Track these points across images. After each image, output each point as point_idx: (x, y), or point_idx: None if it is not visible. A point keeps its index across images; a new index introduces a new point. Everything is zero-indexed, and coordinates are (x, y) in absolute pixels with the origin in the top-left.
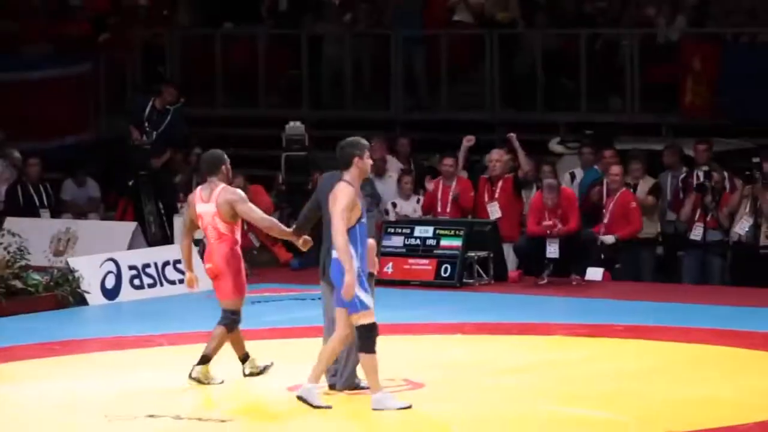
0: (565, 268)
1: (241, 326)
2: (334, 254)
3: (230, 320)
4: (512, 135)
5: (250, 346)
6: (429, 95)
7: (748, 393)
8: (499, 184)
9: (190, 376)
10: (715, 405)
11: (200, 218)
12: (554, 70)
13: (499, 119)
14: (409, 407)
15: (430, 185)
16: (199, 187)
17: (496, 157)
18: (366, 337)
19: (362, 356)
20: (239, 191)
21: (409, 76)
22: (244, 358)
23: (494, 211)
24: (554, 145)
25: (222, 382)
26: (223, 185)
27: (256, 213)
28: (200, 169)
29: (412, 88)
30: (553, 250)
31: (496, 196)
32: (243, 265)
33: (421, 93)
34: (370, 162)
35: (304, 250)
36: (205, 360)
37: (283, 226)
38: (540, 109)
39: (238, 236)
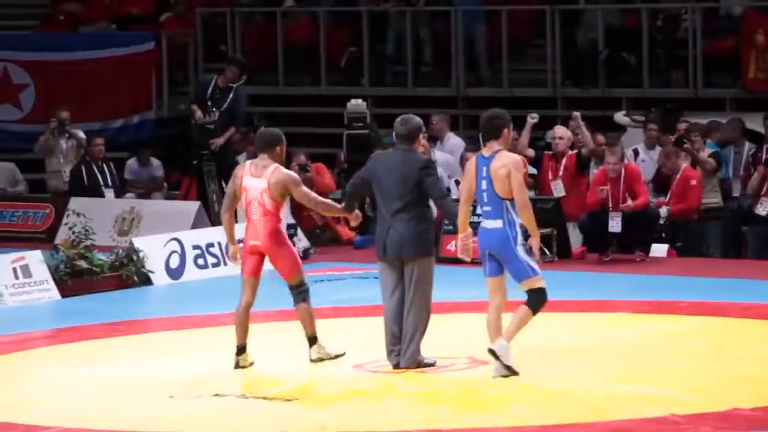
0: (630, 244)
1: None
2: (491, 224)
3: (305, 293)
4: (577, 114)
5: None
6: (490, 71)
7: None
8: (563, 161)
9: (310, 360)
10: None
11: (245, 191)
12: (616, 45)
13: (561, 95)
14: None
15: None
16: (249, 161)
17: (560, 133)
18: (540, 300)
19: (528, 313)
20: (294, 174)
21: (470, 53)
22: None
23: (558, 189)
24: (620, 117)
25: (344, 353)
26: (276, 165)
27: (312, 196)
28: (255, 145)
29: (473, 65)
30: (615, 224)
31: (560, 173)
32: (288, 239)
33: (482, 69)
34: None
35: (354, 225)
36: (313, 341)
37: (338, 206)
38: (602, 85)
39: (283, 215)
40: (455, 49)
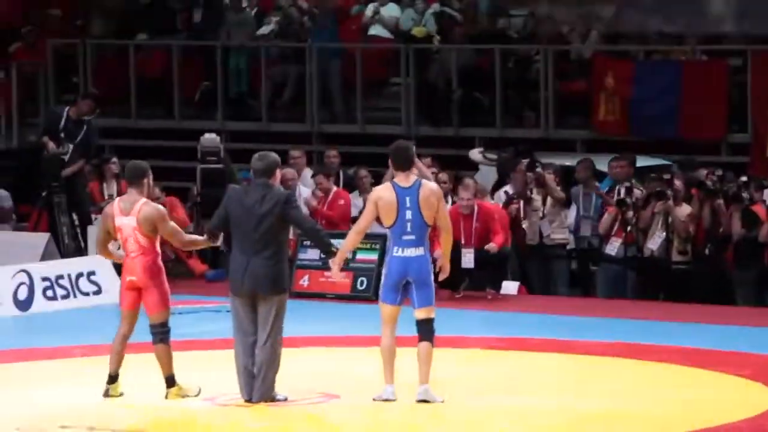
0: (481, 282)
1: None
2: (414, 252)
3: (165, 335)
4: None
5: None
6: (345, 108)
7: (660, 406)
8: None
9: (165, 398)
10: (626, 419)
11: (119, 231)
12: (470, 85)
13: (415, 133)
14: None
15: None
16: (118, 199)
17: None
18: (433, 330)
19: (431, 349)
20: (161, 208)
21: (325, 89)
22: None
23: None
24: (475, 154)
25: (199, 391)
26: (144, 199)
27: (179, 234)
28: (123, 178)
29: (328, 101)
30: (468, 260)
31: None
32: (164, 276)
33: (336, 106)
34: None
35: (217, 244)
36: (171, 382)
37: (203, 239)
38: (456, 124)
39: (158, 248)
40: (309, 86)
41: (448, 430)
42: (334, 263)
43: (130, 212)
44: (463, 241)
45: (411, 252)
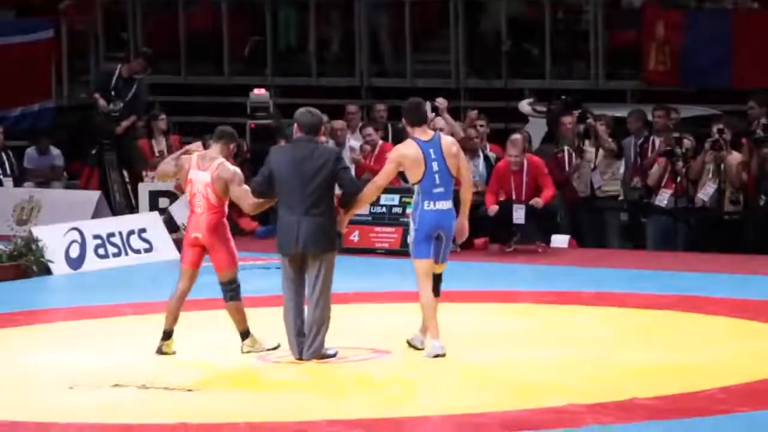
0: (532, 236)
1: (208, 295)
2: (445, 205)
3: (234, 291)
4: (440, 102)
5: (218, 315)
6: (394, 62)
7: (711, 359)
8: None
9: (242, 352)
10: (679, 371)
11: (190, 183)
12: (519, 36)
13: (464, 86)
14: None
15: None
16: (197, 154)
17: (440, 125)
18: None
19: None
20: (238, 171)
21: (374, 43)
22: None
23: None
24: (524, 106)
25: (278, 345)
26: (222, 160)
27: (248, 199)
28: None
29: (377, 55)
30: (519, 216)
31: None
32: (230, 234)
33: (386, 60)
34: None
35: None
36: (245, 335)
37: (268, 201)
38: (505, 76)
39: (226, 209)
40: (359, 40)
41: (498, 386)
42: (342, 225)
43: (207, 168)
44: (514, 197)
45: (442, 205)
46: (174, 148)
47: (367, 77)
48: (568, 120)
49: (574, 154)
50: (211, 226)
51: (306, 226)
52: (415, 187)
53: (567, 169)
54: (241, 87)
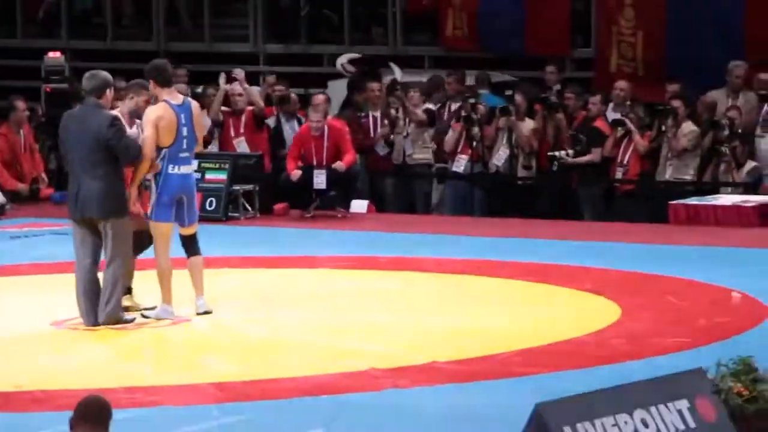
0: (333, 201)
1: (2, 262)
2: (189, 169)
3: None
4: (237, 73)
5: (12, 282)
6: (192, 26)
7: (509, 323)
8: (242, 118)
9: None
10: (478, 335)
11: None
12: (318, 1)
13: (263, 51)
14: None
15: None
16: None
17: (239, 90)
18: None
19: (202, 260)
20: None
21: (172, 7)
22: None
23: (242, 146)
24: (343, 60)
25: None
26: None
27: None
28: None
29: (176, 19)
30: (320, 181)
31: (242, 130)
32: None
33: (184, 24)
34: None
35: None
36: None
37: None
38: (304, 41)
39: None
40: (156, 3)
41: (298, 351)
42: (132, 191)
43: None
44: (315, 162)
45: (186, 169)
46: None
47: (165, 41)
48: (376, 86)
49: (379, 120)
50: None
51: (84, 191)
52: (161, 151)
53: (372, 135)
54: (36, 50)
